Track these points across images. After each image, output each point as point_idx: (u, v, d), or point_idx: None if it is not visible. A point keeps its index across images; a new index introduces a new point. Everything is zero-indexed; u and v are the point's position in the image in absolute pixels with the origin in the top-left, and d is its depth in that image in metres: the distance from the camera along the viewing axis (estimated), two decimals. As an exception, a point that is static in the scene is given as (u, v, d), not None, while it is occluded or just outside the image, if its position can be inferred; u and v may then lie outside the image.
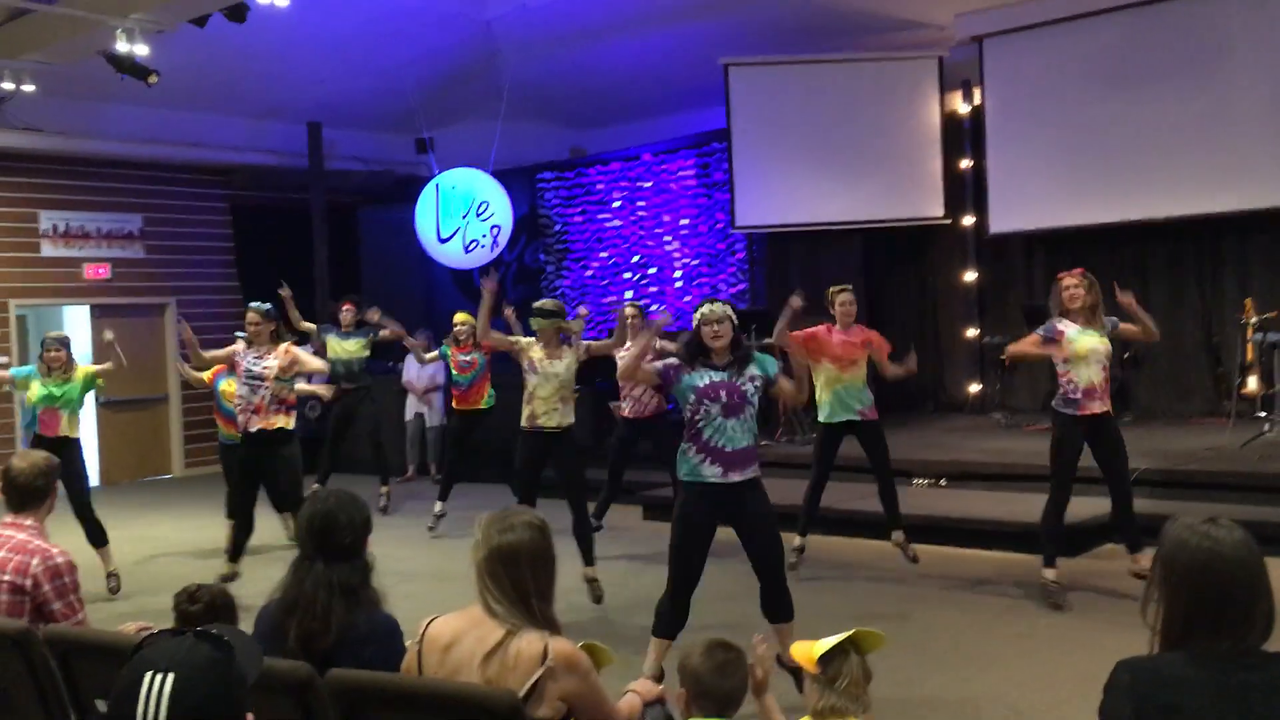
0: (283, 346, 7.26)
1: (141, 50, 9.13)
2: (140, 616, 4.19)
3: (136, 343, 12.50)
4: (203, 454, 13.85)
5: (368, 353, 9.91)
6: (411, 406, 12.09)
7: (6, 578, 3.58)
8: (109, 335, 8.00)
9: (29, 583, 3.59)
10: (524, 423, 6.83)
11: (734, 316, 4.82)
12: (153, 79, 9.69)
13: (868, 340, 7.06)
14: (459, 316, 9.35)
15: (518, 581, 2.70)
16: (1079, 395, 6.25)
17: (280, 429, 7.19)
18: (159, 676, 1.73)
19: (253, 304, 7.39)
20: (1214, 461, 8.13)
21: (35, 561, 3.62)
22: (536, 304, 7.03)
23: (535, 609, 2.70)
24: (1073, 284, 6.30)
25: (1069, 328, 6.27)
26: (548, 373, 6.80)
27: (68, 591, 3.68)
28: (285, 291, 9.37)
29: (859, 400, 6.95)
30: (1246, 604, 2.07)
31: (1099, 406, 6.25)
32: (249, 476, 7.28)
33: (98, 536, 7.36)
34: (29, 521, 3.76)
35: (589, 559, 6.81)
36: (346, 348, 9.76)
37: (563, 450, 6.85)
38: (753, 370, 4.83)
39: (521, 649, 2.63)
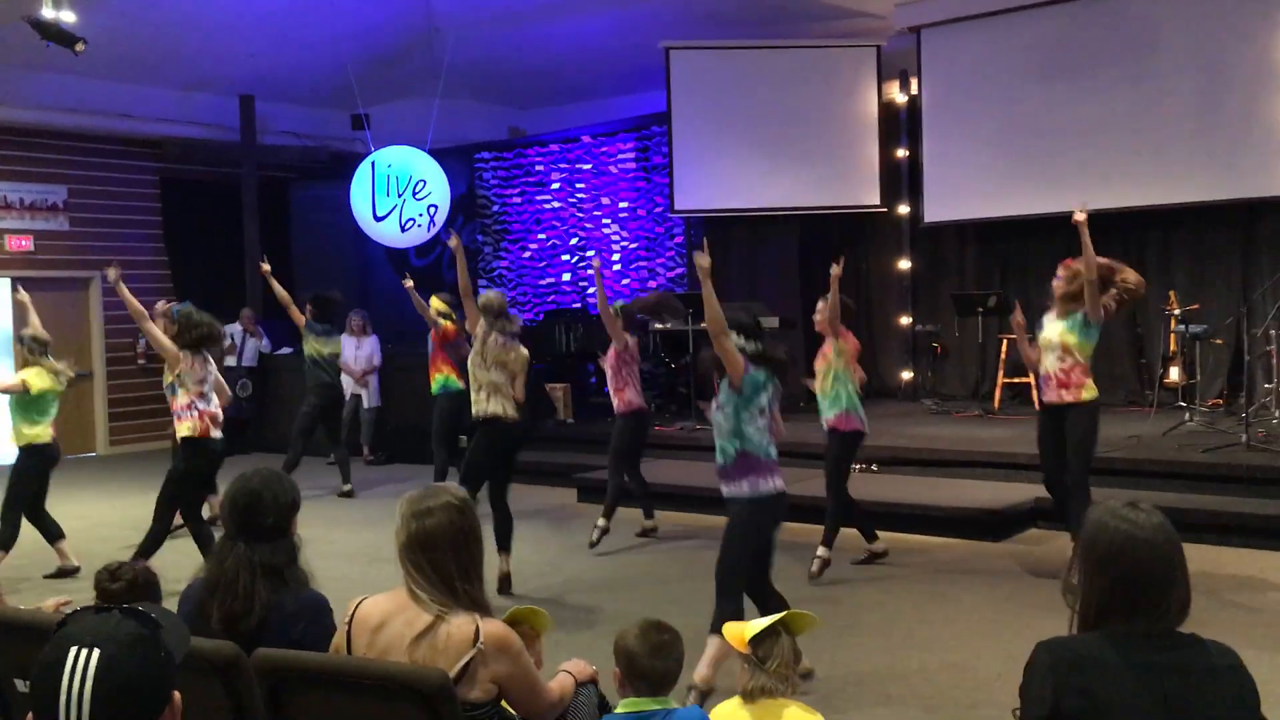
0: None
1: (68, 17, 8.87)
2: (66, 596, 4.10)
3: (60, 317, 12.20)
4: (127, 431, 13.59)
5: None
6: (348, 388, 11.94)
7: None
8: (23, 296, 7.75)
9: None
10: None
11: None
12: (80, 47, 9.41)
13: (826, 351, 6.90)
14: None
15: (439, 565, 2.65)
16: (1041, 383, 6.48)
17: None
18: (84, 652, 1.69)
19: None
20: (1136, 450, 8.34)
21: None
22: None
23: (460, 590, 2.66)
24: (1058, 274, 6.43)
25: (1046, 318, 6.45)
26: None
27: None
28: (265, 266, 9.55)
29: (825, 409, 6.87)
30: (1162, 586, 2.13)
31: (1053, 395, 6.37)
32: None
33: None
34: None
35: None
36: (330, 348, 9.98)
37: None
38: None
39: (452, 632, 2.61)
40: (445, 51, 12.30)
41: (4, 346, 13.56)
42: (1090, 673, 2.08)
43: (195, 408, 6.64)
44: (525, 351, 6.78)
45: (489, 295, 6.81)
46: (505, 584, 6.56)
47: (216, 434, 6.72)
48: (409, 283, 9.01)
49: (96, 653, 1.69)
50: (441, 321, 9.13)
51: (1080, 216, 6.26)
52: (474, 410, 6.67)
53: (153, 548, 6.59)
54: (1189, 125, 10.05)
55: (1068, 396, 6.31)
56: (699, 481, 8.17)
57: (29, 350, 7.09)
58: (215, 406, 6.75)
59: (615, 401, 7.84)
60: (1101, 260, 6.24)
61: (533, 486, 10.00)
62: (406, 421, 11.71)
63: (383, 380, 12.21)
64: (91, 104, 12.65)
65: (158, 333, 6.74)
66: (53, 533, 7.24)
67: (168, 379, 6.89)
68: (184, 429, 6.66)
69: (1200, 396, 9.67)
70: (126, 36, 10.85)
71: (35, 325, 7.34)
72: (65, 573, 7.14)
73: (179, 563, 6.79)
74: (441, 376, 9.23)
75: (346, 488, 10.03)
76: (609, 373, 7.85)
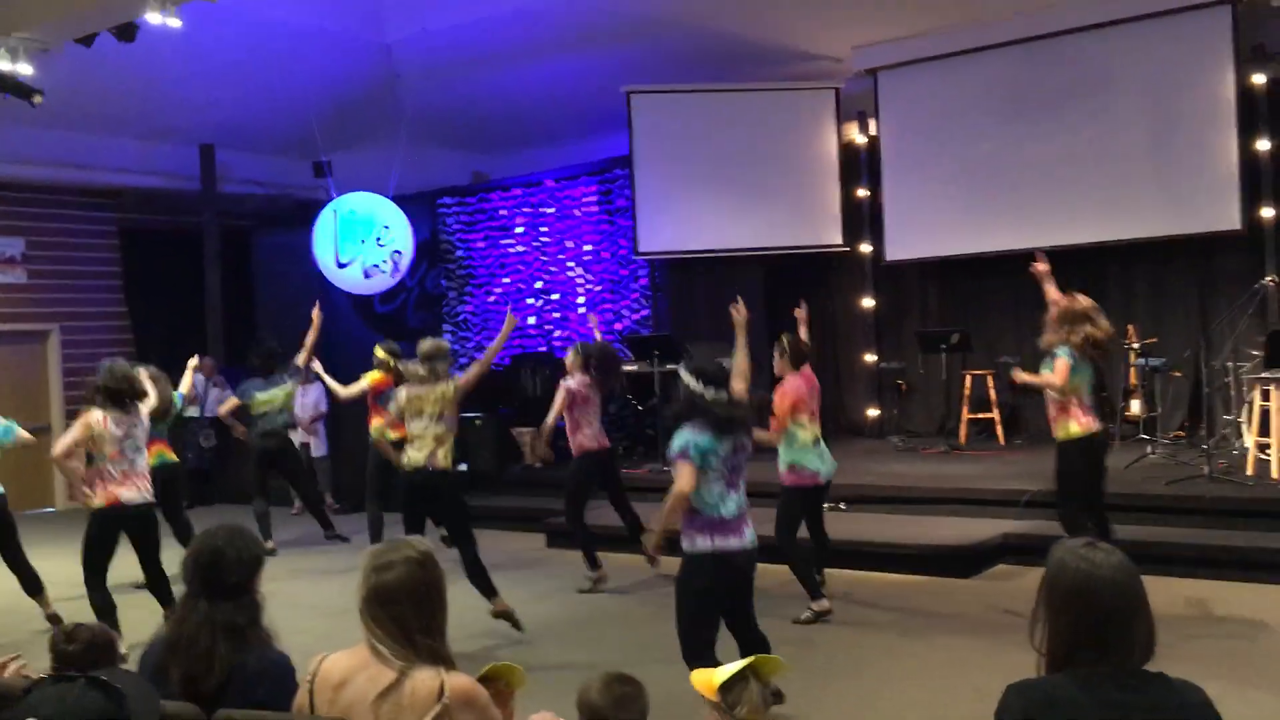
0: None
1: (25, 69, 8.80)
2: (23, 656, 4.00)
3: (18, 371, 12.05)
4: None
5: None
6: (296, 438, 11.79)
7: None
8: None
9: None
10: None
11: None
12: (37, 99, 9.34)
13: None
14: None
15: (399, 619, 2.60)
16: None
17: None
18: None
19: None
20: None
21: None
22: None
23: (420, 644, 2.60)
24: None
25: None
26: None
27: None
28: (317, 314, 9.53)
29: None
30: (1125, 624, 2.13)
31: (1052, 431, 6.37)
32: None
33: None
34: None
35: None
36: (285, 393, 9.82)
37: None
38: None
39: (416, 688, 2.56)
40: (407, 98, 12.34)
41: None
42: (1062, 714, 2.08)
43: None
44: (445, 386, 6.57)
45: (424, 341, 6.78)
46: (511, 620, 6.53)
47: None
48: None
49: None
50: (367, 379, 9.09)
51: (1041, 267, 6.36)
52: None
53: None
54: (1145, 162, 10.23)
55: (1054, 433, 6.33)
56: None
57: None
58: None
59: (570, 443, 7.83)
60: (1084, 302, 6.27)
61: (501, 532, 9.91)
62: (361, 468, 11.56)
63: (331, 427, 12.11)
64: (49, 155, 12.54)
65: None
66: None
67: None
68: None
69: (1162, 429, 9.77)
70: (84, 88, 10.79)
71: None
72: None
73: (142, 620, 6.68)
74: (377, 426, 8.95)
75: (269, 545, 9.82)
76: (565, 415, 7.81)
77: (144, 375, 6.88)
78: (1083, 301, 6.29)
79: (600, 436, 7.83)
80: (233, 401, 9.73)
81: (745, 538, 4.65)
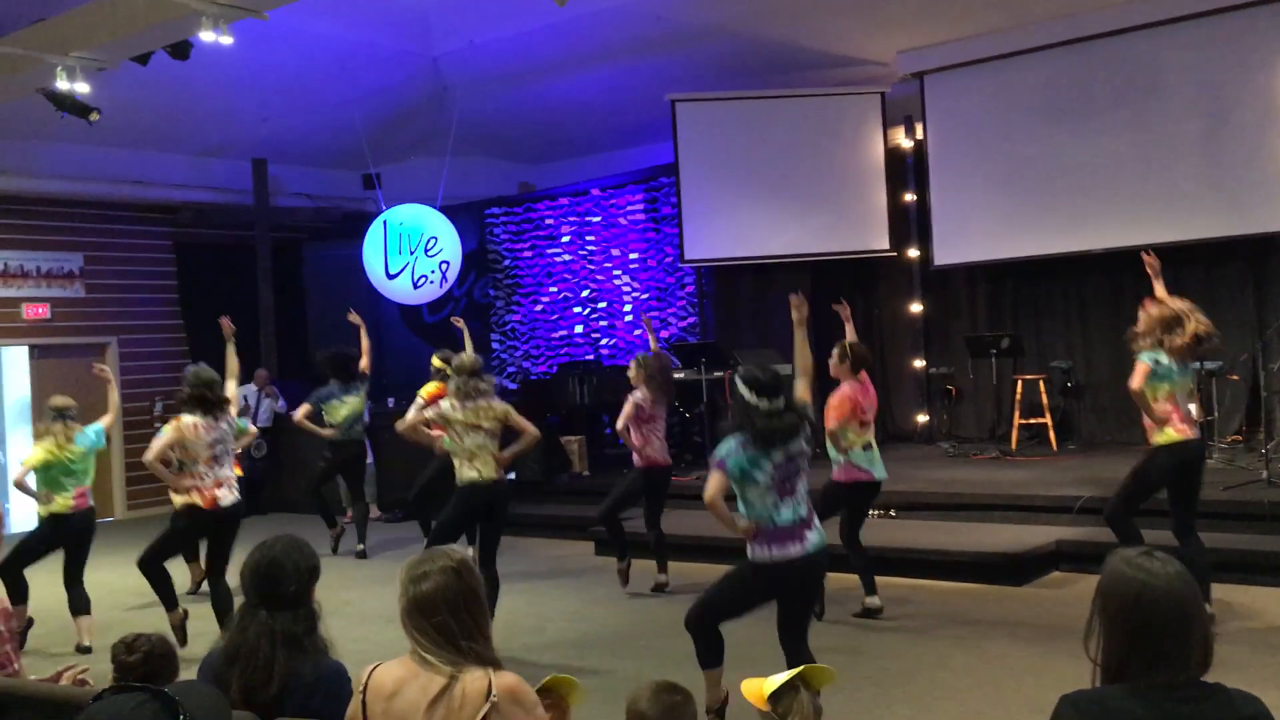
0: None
1: (83, 88, 9.00)
2: (90, 664, 4.10)
3: (78, 382, 12.27)
4: (145, 495, 13.60)
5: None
6: None
7: None
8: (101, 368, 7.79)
9: None
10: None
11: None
12: (94, 117, 9.56)
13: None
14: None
15: (442, 628, 2.62)
16: None
17: None
18: None
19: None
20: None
21: None
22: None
23: (466, 650, 2.63)
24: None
25: None
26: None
27: (2, 640, 3.60)
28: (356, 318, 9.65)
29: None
30: (1181, 636, 2.10)
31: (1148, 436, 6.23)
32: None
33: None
34: None
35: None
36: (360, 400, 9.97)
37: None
38: None
39: (466, 689, 2.59)
40: (454, 110, 12.46)
41: (21, 415, 13.67)
42: (1116, 725, 2.06)
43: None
44: (502, 406, 6.59)
45: (463, 356, 6.71)
46: None
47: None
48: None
49: None
50: (424, 392, 8.81)
51: (1152, 261, 6.38)
52: (456, 478, 6.54)
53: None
54: (1196, 162, 10.08)
55: (1149, 438, 6.16)
56: (715, 532, 8.11)
57: (47, 424, 7.05)
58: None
59: (636, 455, 7.80)
60: (1179, 304, 6.08)
61: (549, 540, 9.97)
62: (406, 477, 11.65)
63: (373, 437, 12.19)
64: (106, 172, 12.83)
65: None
66: (22, 595, 7.05)
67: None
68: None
69: (1219, 433, 9.60)
70: (140, 105, 11.03)
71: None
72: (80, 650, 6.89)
73: (197, 630, 6.79)
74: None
75: (360, 547, 9.96)
76: (632, 427, 7.77)
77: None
78: (1177, 303, 6.09)
79: (665, 452, 7.81)
80: (306, 408, 9.83)
81: (807, 543, 4.57)
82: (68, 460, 6.99)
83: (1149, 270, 6.56)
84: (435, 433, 6.99)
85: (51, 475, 6.98)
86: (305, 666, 2.90)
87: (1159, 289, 6.46)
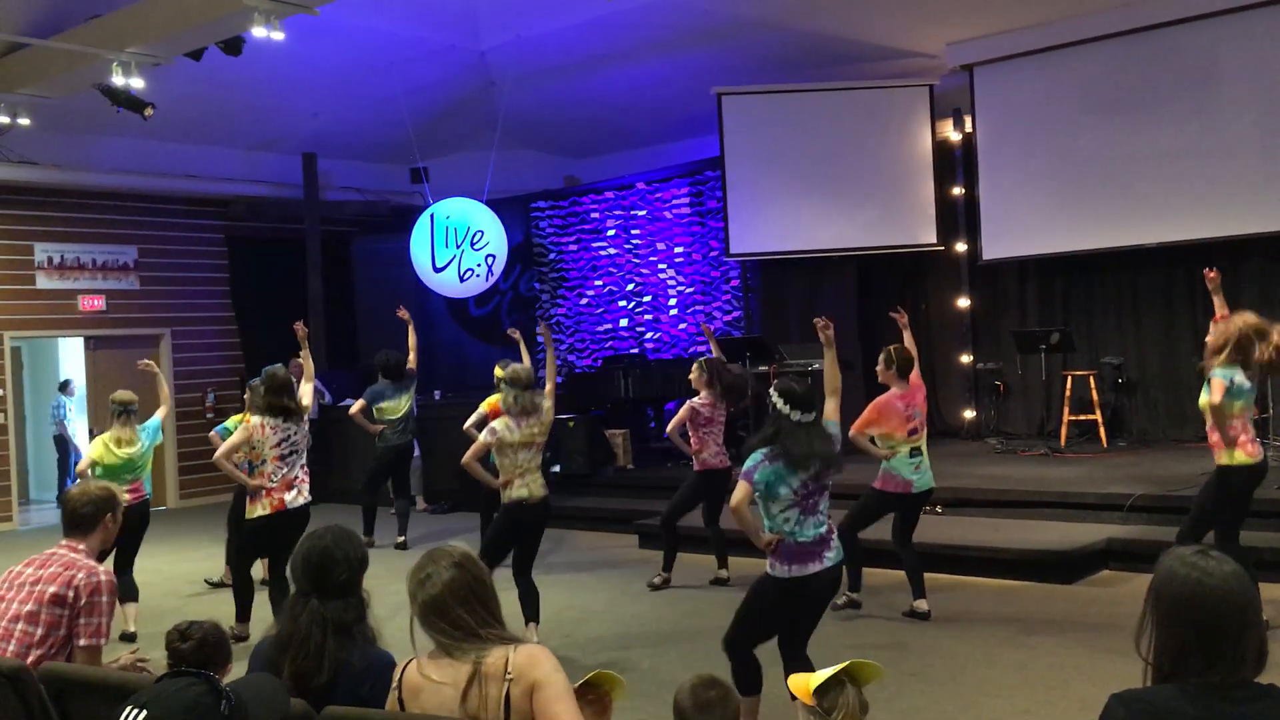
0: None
1: (137, 83, 9.16)
2: (144, 650, 4.19)
3: (132, 374, 12.48)
4: (197, 485, 13.82)
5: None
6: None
7: (52, 589, 3.72)
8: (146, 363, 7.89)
9: (71, 594, 3.72)
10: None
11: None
12: (148, 112, 9.73)
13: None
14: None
15: (458, 622, 2.67)
16: None
17: None
18: (134, 711, 1.78)
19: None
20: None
21: (80, 575, 3.76)
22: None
23: (486, 636, 2.67)
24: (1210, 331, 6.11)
25: None
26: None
27: (99, 611, 3.76)
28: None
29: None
30: (1235, 636, 2.07)
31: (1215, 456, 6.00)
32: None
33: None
34: (81, 546, 3.94)
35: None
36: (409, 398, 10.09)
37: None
38: None
39: (489, 672, 2.63)
40: (501, 104, 12.52)
41: (79, 405, 13.93)
42: (1167, 725, 2.04)
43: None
44: (546, 415, 6.39)
45: (516, 367, 6.48)
46: None
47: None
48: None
49: (144, 714, 1.75)
50: (486, 405, 8.55)
51: (1213, 276, 6.16)
52: (502, 496, 6.38)
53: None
54: (1252, 155, 9.90)
55: (1216, 458, 5.96)
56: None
57: (115, 416, 7.17)
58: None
59: (694, 460, 7.78)
60: (1251, 319, 5.84)
61: (593, 533, 10.01)
62: (452, 469, 11.71)
63: (420, 430, 12.26)
64: (160, 166, 13.04)
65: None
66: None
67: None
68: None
69: (1274, 431, 9.43)
70: (193, 100, 11.19)
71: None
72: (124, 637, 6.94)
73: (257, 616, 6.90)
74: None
75: (401, 539, 10.06)
76: (690, 430, 7.73)
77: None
78: (1249, 319, 5.85)
79: (723, 455, 7.78)
80: (361, 403, 9.96)
81: (825, 560, 4.55)
82: (127, 458, 7.13)
83: (1209, 285, 6.29)
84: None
85: (111, 469, 7.09)
86: (354, 654, 2.94)
87: (1219, 305, 6.23)
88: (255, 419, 6.59)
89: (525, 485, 6.28)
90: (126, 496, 7.07)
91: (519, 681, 2.60)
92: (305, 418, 6.76)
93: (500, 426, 6.29)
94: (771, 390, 4.69)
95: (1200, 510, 6.09)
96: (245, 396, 7.05)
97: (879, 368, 6.78)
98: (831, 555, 4.59)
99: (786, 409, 4.55)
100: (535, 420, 6.30)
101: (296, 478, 6.64)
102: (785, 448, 4.49)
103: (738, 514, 4.56)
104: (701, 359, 7.92)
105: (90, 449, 7.26)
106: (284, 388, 6.59)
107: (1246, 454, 5.85)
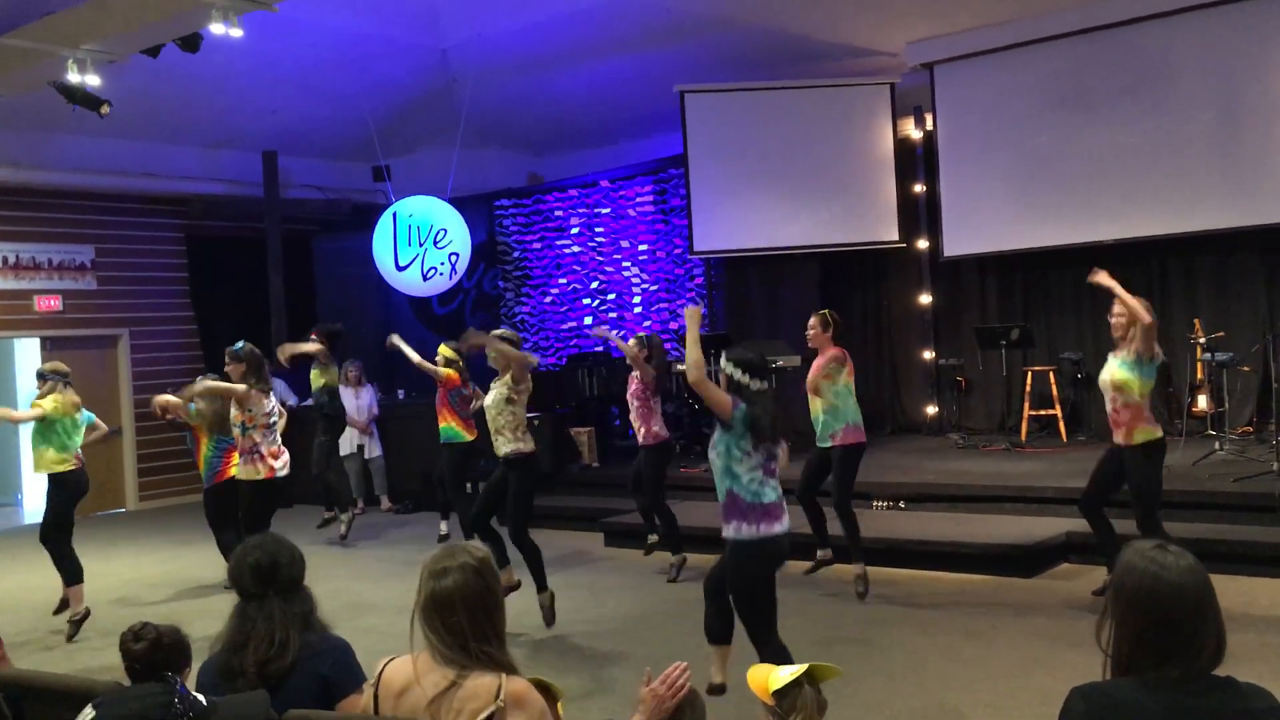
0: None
1: (93, 80, 9.03)
2: (95, 657, 4.13)
3: (89, 375, 12.33)
4: (156, 486, 13.67)
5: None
6: (354, 439, 11.92)
7: None
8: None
9: None
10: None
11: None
12: (105, 109, 9.59)
13: (816, 368, 7.03)
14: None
15: (454, 628, 2.63)
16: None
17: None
18: (89, 711, 1.84)
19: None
20: (1167, 480, 8.19)
21: None
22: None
23: (475, 652, 2.62)
24: (1112, 311, 6.27)
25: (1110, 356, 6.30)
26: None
27: None
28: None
29: (820, 427, 7.00)
30: (1193, 629, 2.10)
31: (1115, 436, 6.26)
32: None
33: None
34: None
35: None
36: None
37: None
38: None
39: (476, 690, 2.59)
40: (463, 102, 12.46)
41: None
42: (1127, 718, 2.06)
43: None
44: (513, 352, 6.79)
45: (506, 331, 7.09)
46: (549, 617, 6.73)
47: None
48: (394, 340, 9.31)
49: (93, 714, 1.79)
50: (443, 371, 9.06)
51: (1100, 278, 6.26)
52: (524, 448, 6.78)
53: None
54: (1208, 153, 10.04)
55: (1119, 438, 6.20)
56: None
57: (50, 382, 7.34)
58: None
59: (641, 432, 7.89)
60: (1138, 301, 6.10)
61: (559, 531, 9.99)
62: (415, 469, 11.69)
63: (383, 429, 12.27)
64: (117, 164, 12.86)
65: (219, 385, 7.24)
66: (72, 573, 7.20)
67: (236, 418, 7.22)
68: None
69: (1229, 425, 9.58)
70: (151, 98, 11.05)
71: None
72: (75, 619, 6.99)
73: (210, 625, 6.82)
74: (445, 427, 9.05)
75: (329, 515, 10.17)
76: (633, 405, 7.89)
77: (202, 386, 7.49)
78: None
79: (665, 427, 8.04)
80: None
81: (785, 523, 4.65)
82: (73, 421, 7.36)
83: (1099, 286, 6.34)
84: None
85: (66, 427, 7.29)
86: (313, 637, 3.06)
87: (1123, 296, 6.21)
88: (241, 387, 7.11)
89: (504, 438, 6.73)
90: (75, 463, 7.33)
91: (509, 713, 2.57)
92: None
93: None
94: (724, 361, 4.68)
95: (1153, 501, 6.22)
96: (227, 367, 7.33)
97: (814, 332, 7.00)
98: (786, 520, 4.67)
99: (745, 378, 4.56)
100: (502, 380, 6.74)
101: (280, 448, 7.26)
102: (754, 417, 4.51)
103: (691, 371, 4.62)
104: (641, 334, 8.06)
105: (43, 403, 7.27)
106: (264, 362, 7.32)
107: (1159, 430, 6.20)
